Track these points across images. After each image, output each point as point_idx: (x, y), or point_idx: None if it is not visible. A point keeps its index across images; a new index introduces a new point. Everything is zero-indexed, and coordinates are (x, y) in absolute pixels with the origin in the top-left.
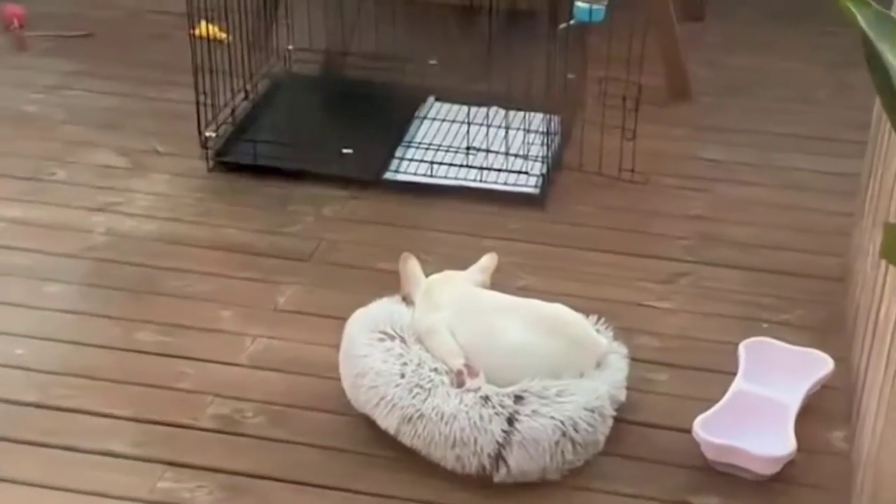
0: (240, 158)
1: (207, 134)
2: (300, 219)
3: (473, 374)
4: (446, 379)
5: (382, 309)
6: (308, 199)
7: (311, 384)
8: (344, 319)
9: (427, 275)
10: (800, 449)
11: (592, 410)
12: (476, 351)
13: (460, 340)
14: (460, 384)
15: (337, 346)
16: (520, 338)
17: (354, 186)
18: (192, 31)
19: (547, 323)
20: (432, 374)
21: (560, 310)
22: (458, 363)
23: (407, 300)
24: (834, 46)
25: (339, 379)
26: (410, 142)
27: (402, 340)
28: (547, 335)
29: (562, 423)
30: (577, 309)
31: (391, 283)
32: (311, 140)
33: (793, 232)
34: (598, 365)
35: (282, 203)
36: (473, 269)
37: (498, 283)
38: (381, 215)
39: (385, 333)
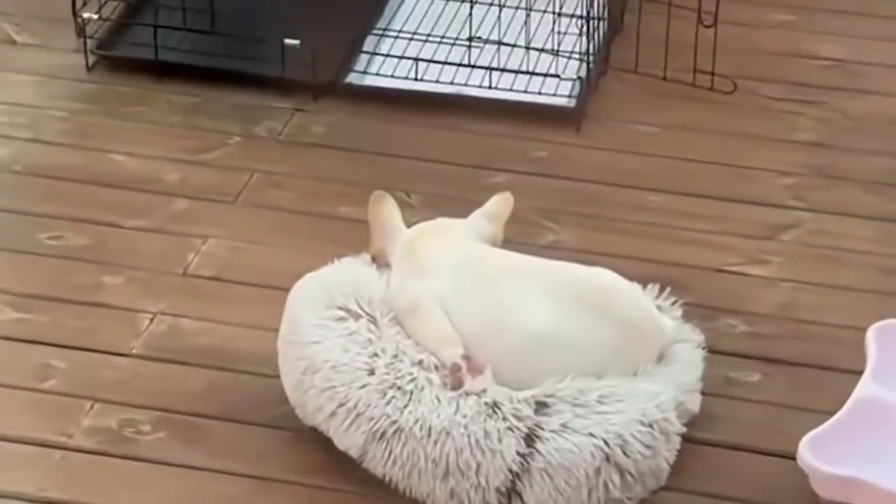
0: (133, 52)
1: (85, 16)
2: (221, 141)
3: (476, 370)
4: (436, 377)
5: (342, 275)
6: (233, 113)
7: (236, 384)
8: (285, 290)
9: (409, 224)
10: None
11: (650, 425)
12: (481, 337)
13: (458, 322)
14: (457, 385)
15: (275, 329)
16: (545, 318)
17: (302, 94)
18: None
19: (585, 297)
20: (415, 371)
21: (604, 278)
22: (453, 354)
23: (379, 261)
24: None
25: (277, 377)
26: (385, 29)
27: (372, 320)
28: (585, 315)
29: (605, 442)
30: (628, 276)
31: (355, 237)
32: (237, 26)
33: None
34: (660, 359)
35: (194, 118)
36: (478, 216)
37: (514, 237)
38: (342, 136)
39: (346, 310)
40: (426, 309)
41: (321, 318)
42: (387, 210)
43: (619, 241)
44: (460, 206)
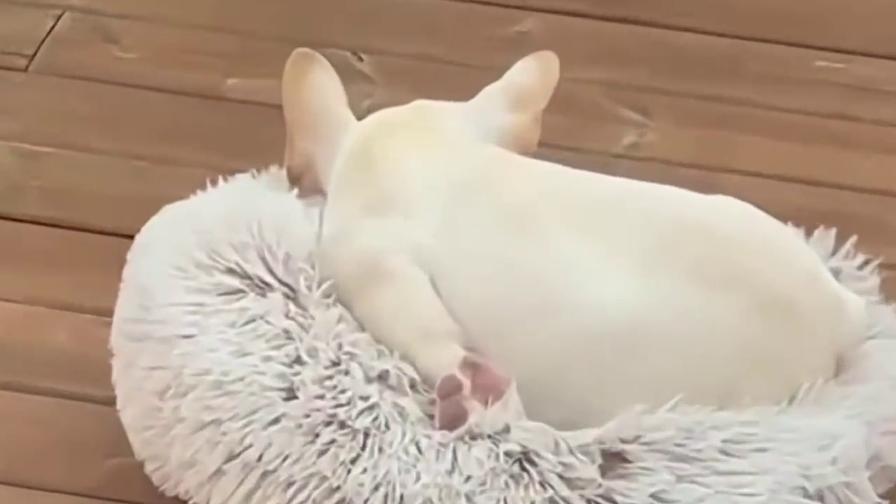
0: None
1: None
2: None
3: (490, 389)
4: (414, 405)
5: (233, 208)
6: None
7: (25, 414)
8: (124, 237)
9: (361, 112)
10: None
11: (821, 497)
12: (500, 327)
13: (456, 298)
14: (454, 418)
15: (103, 312)
16: (624, 295)
17: None
18: None
19: (698, 253)
20: (373, 391)
21: (734, 218)
22: (447, 359)
23: (304, 182)
24: None
25: (108, 403)
26: None
27: (291, 296)
28: (697, 287)
29: None
30: (780, 214)
31: (257, 137)
32: None
33: None
34: (839, 369)
35: None
36: (491, 97)
37: (562, 138)
38: None
39: (242, 275)
40: (396, 274)
41: (194, 289)
42: (319, 85)
43: (757, 146)
44: (454, 78)
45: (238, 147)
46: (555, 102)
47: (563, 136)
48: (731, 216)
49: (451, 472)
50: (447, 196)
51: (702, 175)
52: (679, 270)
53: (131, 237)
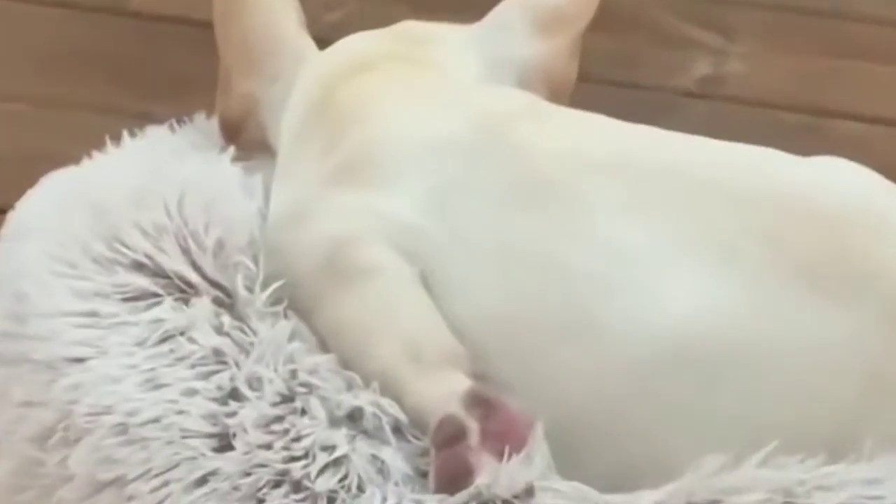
0: None
1: None
2: None
3: (505, 433)
4: (400, 458)
5: (145, 176)
6: None
7: None
8: None
9: (324, 35)
10: None
11: None
12: (524, 345)
13: (461, 302)
14: (455, 476)
15: None
16: (699, 301)
17: None
18: None
19: (800, 244)
20: (340, 438)
21: (848, 186)
22: (448, 390)
23: (242, 137)
24: None
25: None
26: None
27: (226, 299)
28: (803, 291)
29: None
30: None
31: (178, 71)
32: None
33: None
34: None
35: None
36: (510, 14)
37: (611, 73)
38: None
39: (157, 272)
40: (373, 269)
41: (88, 293)
42: (259, 4)
43: (884, 80)
44: None
45: (151, 84)
46: (599, 20)
47: (612, 68)
48: (847, 188)
49: None
50: (446, 161)
51: (805, 121)
52: (779, 268)
53: (3, 214)
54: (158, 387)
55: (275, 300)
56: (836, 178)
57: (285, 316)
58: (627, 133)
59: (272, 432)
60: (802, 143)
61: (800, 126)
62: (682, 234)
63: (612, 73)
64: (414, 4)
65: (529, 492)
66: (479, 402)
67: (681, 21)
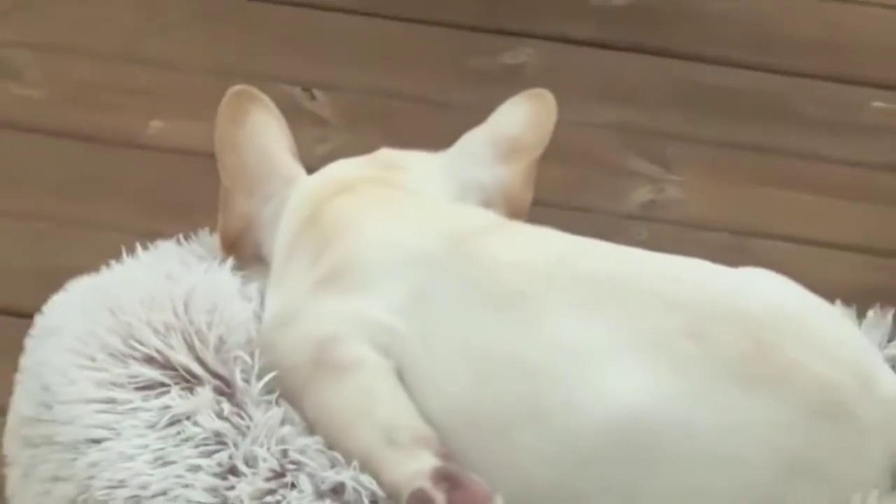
0: None
1: None
2: None
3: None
4: None
5: (154, 283)
6: None
7: None
8: (23, 316)
9: (313, 165)
10: None
11: None
12: (485, 429)
13: (428, 394)
14: None
15: None
16: (638, 390)
17: None
18: None
19: (726, 340)
20: None
21: (767, 295)
22: (415, 469)
23: (242, 251)
24: None
25: None
26: None
27: (225, 391)
28: (726, 381)
29: None
30: (823, 290)
31: (185, 196)
32: None
33: None
34: None
35: None
36: (474, 146)
37: (563, 196)
38: None
39: (166, 365)
40: (354, 364)
41: (106, 383)
42: (259, 131)
43: (799, 205)
44: (429, 120)
45: (161, 206)
46: (552, 151)
47: (563, 194)
48: (767, 295)
49: None
50: (418, 270)
51: (732, 241)
52: (707, 364)
53: (30, 317)
54: (166, 464)
55: (268, 390)
56: (758, 285)
57: (277, 403)
58: (575, 246)
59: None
60: (732, 260)
61: (730, 245)
62: (622, 332)
63: (564, 198)
64: (390, 136)
65: None
66: (445, 478)
67: (624, 153)
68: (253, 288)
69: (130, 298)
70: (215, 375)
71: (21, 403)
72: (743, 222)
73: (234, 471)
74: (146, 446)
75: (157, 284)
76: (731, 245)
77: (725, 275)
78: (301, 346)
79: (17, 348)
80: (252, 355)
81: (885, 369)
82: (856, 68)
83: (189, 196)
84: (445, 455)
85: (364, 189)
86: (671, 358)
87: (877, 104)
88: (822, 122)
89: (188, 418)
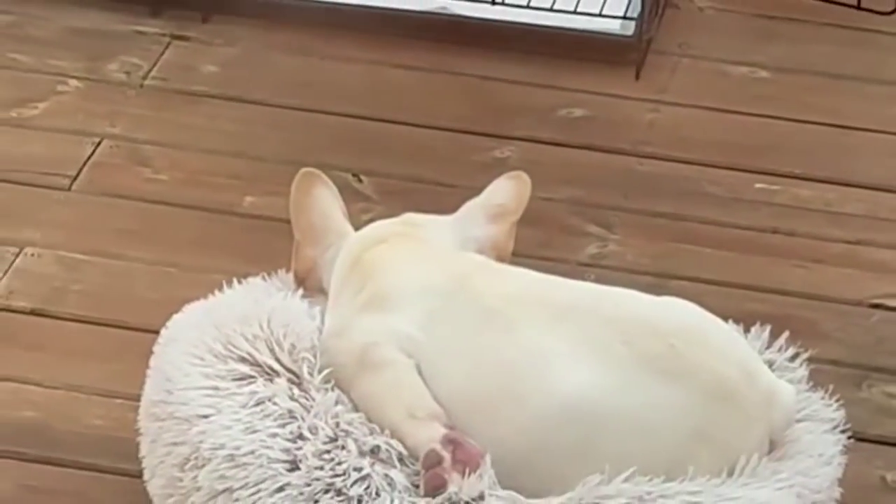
0: None
1: None
2: (50, 88)
3: (467, 462)
4: (401, 475)
5: (246, 306)
6: (69, 41)
7: (63, 488)
8: (151, 332)
9: (359, 224)
10: None
11: None
12: (476, 409)
13: (438, 384)
14: (435, 486)
15: (132, 396)
16: (583, 381)
17: (183, 11)
18: None
19: (649, 346)
20: (366, 464)
21: (680, 316)
22: (430, 436)
23: (308, 284)
24: None
25: (136, 475)
26: None
27: (295, 381)
28: (648, 375)
29: None
30: (720, 313)
31: (268, 245)
32: None
33: None
34: (772, 448)
35: (4, 48)
36: (472, 212)
37: (533, 248)
38: (246, 80)
39: (253, 364)
40: (386, 362)
41: (211, 375)
42: (321, 201)
43: (704, 256)
44: (441, 196)
45: (252, 255)
46: (527, 217)
47: (534, 247)
48: (679, 315)
49: None
50: (432, 296)
51: (656, 281)
52: (634, 362)
53: (158, 332)
54: (254, 432)
55: (326, 381)
56: (673, 308)
57: (332, 390)
58: (541, 281)
59: (323, 460)
60: (655, 295)
61: (654, 285)
62: (573, 339)
63: (534, 251)
64: (414, 208)
65: (481, 497)
66: (450, 442)
67: (578, 220)
68: (316, 310)
69: (229, 316)
70: (289, 370)
71: (150, 390)
72: (663, 268)
73: (301, 437)
74: (239, 420)
75: (248, 307)
76: (655, 284)
77: (649, 300)
78: (349, 350)
79: (148, 354)
80: (315, 356)
81: (765, 368)
82: (744, 160)
83: (271, 248)
84: (451, 426)
85: (394, 241)
86: (609, 358)
87: (759, 185)
88: (720, 198)
89: (269, 400)
